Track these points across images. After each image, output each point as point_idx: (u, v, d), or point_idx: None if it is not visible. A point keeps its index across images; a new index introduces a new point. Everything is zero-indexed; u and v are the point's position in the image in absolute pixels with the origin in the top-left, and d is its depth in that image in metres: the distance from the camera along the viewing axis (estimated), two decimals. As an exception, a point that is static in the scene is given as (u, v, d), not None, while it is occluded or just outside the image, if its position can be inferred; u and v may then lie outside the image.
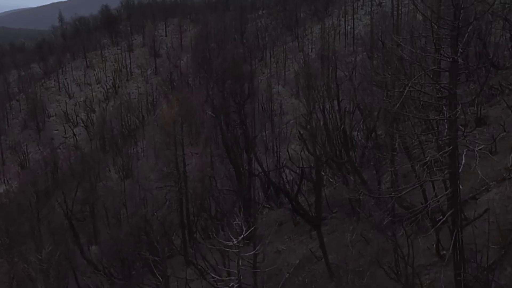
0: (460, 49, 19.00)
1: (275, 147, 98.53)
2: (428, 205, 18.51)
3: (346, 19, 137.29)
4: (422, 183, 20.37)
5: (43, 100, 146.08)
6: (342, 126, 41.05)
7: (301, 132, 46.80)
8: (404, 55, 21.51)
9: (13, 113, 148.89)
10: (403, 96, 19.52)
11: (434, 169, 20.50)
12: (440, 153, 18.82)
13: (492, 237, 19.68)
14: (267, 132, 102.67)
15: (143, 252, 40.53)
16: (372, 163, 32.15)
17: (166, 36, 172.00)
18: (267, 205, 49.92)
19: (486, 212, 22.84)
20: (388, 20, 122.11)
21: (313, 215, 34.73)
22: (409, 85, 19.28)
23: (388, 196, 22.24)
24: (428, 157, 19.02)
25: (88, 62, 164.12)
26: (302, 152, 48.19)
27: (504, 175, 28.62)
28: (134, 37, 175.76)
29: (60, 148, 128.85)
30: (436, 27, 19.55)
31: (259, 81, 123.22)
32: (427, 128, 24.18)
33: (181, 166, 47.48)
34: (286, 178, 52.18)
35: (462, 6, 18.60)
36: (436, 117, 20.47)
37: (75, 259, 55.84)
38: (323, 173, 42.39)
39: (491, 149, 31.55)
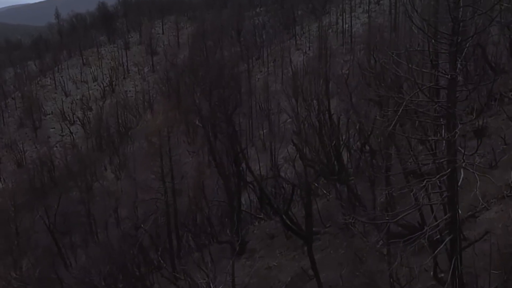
0: (459, 65, 18.34)
1: (272, 146, 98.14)
2: (426, 232, 17.80)
3: (344, 17, 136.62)
4: (419, 207, 19.57)
5: (39, 98, 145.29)
6: (334, 142, 39.35)
7: (294, 141, 45.76)
8: (399, 71, 20.45)
9: (9, 111, 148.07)
10: (397, 116, 18.74)
11: (431, 191, 19.75)
12: (438, 176, 18.13)
13: (492, 260, 18.94)
14: (264, 131, 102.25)
15: (131, 264, 39.91)
16: (366, 174, 31.28)
17: (163, 33, 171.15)
18: (260, 215, 48.63)
19: (487, 234, 22.07)
20: (385, 18, 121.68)
21: (305, 231, 34.15)
22: (404, 103, 18.49)
23: (382, 221, 21.47)
24: (425, 181, 18.31)
25: (84, 59, 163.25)
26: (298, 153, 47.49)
27: (505, 192, 27.50)
28: (130, 35, 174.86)
29: (56, 146, 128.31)
30: (433, 41, 18.81)
31: (257, 79, 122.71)
32: (425, 146, 23.36)
33: (168, 177, 45.09)
34: (280, 185, 51.10)
35: (462, 19, 17.90)
36: (433, 138, 19.72)
37: (60, 274, 54.46)
38: (316, 185, 41.56)
39: (491, 163, 30.64)
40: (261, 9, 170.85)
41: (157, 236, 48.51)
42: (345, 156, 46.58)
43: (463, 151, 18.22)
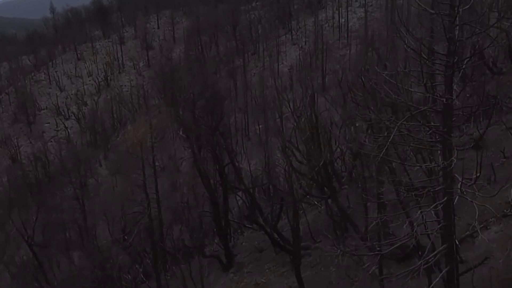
0: (455, 88, 17.39)
1: (268, 142, 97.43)
2: (421, 264, 16.97)
3: (340, 11, 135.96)
4: (414, 237, 18.57)
5: (33, 93, 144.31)
6: (322, 162, 36.98)
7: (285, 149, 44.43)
8: (390, 93, 19.12)
9: (3, 106, 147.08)
10: (388, 142, 17.58)
11: (426, 219, 18.86)
12: (433, 206, 17.31)
13: (492, 286, 18.13)
14: (260, 126, 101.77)
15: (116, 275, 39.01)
16: (358, 185, 30.06)
17: (158, 28, 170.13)
18: (249, 225, 47.05)
19: (486, 260, 21.08)
20: (382, 12, 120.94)
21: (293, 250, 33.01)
22: (396, 128, 17.38)
23: (373, 253, 20.22)
24: (419, 213, 17.46)
25: (78, 54, 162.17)
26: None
27: (505, 210, 26.03)
28: (125, 30, 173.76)
29: (51, 141, 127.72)
30: (428, 60, 17.88)
31: (253, 74, 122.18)
32: (420, 167, 22.17)
33: (151, 189, 42.49)
34: (271, 192, 49.89)
35: (458, 38, 16.99)
36: (428, 165, 18.64)
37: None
38: (307, 196, 40.31)
39: (489, 178, 29.11)
40: (257, 3, 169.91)
41: (141, 249, 46.64)
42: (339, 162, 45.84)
43: (460, 179, 17.21)
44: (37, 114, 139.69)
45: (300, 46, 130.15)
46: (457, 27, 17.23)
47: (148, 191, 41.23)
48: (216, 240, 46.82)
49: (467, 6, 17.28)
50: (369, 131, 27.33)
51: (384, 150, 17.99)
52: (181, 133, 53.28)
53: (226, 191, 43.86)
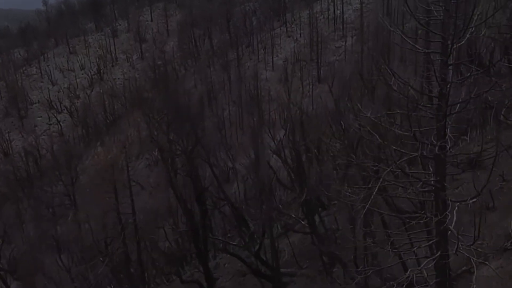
0: (449, 133, 15.91)
1: (263, 135, 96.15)
2: None
3: (335, 3, 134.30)
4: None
5: (24, 87, 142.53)
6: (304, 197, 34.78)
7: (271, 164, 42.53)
8: (377, 138, 17.66)
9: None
10: (372, 197, 16.11)
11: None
12: (427, 261, 15.89)
13: None
14: (254, 119, 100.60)
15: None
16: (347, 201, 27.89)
17: (151, 21, 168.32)
18: (233, 243, 44.38)
19: None
20: (378, 4, 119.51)
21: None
22: (380, 181, 16.02)
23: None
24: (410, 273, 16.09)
25: (71, 48, 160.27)
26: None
27: (506, 243, 23.57)
28: (118, 23, 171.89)
29: (44, 135, 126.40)
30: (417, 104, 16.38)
31: (247, 67, 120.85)
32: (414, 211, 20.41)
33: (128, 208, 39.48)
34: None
35: (451, 80, 15.63)
36: (422, 220, 16.65)
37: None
38: (292, 216, 38.37)
39: (488, 204, 26.34)
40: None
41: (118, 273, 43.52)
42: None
43: (456, 234, 15.63)
44: (29, 108, 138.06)
45: (295, 38, 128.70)
46: (451, 67, 15.84)
47: (123, 214, 38.50)
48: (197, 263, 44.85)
49: (462, 42, 15.88)
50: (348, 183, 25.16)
51: (369, 202, 16.57)
52: (156, 154, 51.15)
53: (205, 216, 42.06)
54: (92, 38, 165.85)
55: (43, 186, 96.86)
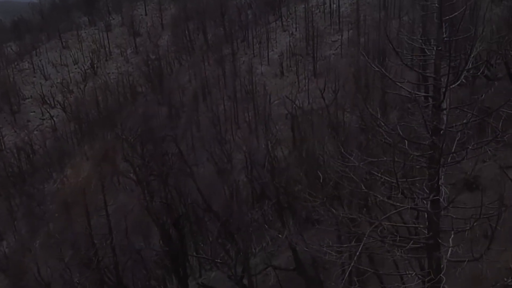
0: (442, 188, 14.72)
1: (259, 130, 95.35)
2: None
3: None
4: None
5: (17, 82, 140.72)
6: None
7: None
8: (365, 189, 16.57)
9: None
10: (358, 252, 14.94)
11: None
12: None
13: None
14: (250, 113, 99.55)
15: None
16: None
17: (146, 15, 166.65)
18: (219, 260, 41.47)
19: None
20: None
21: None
22: (363, 241, 14.79)
23: None
24: None
25: (64, 43, 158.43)
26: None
27: (505, 279, 21.39)
28: (112, 17, 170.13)
29: (37, 130, 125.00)
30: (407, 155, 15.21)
31: (242, 62, 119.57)
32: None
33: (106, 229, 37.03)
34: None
35: (445, 128, 14.44)
36: (411, 274, 15.83)
37: None
38: (279, 235, 36.58)
39: (486, 232, 23.64)
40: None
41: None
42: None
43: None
44: (21, 103, 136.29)
45: (291, 32, 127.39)
46: (445, 112, 14.51)
47: (98, 235, 36.26)
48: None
49: (456, 84, 14.53)
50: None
51: (354, 260, 15.35)
52: (132, 175, 48.81)
53: (183, 240, 40.55)
54: (85, 32, 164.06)
55: (35, 183, 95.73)
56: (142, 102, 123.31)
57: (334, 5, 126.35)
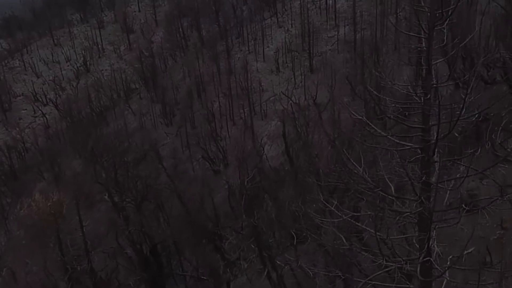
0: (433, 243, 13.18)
1: (253, 127, 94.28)
2: None
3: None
4: None
5: (7, 80, 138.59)
6: None
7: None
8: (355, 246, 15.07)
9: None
10: None
11: None
12: None
13: None
14: (245, 110, 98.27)
15: None
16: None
17: (139, 11, 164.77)
18: (204, 277, 40.69)
19: None
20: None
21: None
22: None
23: None
24: None
25: (55, 40, 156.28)
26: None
27: None
28: (105, 13, 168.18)
29: (29, 128, 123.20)
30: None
31: (237, 58, 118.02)
32: None
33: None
34: None
35: (436, 181, 12.91)
36: None
37: None
38: (267, 254, 34.72)
39: (484, 259, 22.24)
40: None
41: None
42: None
43: None
44: (12, 101, 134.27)
45: (286, 29, 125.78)
46: (437, 164, 13.02)
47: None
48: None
49: (448, 135, 12.92)
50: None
51: None
52: (106, 197, 46.87)
53: (161, 267, 38.93)
54: (77, 29, 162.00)
55: (27, 182, 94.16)
56: (135, 100, 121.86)
57: (330, 1, 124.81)
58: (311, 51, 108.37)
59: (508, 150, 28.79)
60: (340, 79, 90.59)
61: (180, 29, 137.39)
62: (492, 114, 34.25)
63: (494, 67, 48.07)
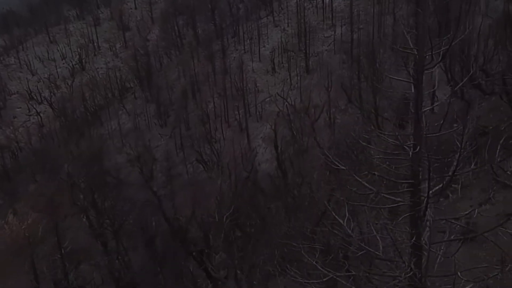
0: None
1: (248, 129, 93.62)
2: None
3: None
4: None
5: (2, 78, 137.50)
6: None
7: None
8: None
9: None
10: None
11: None
12: None
13: None
14: (240, 111, 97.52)
15: None
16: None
17: (135, 8, 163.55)
18: None
19: None
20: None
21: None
22: None
23: None
24: None
25: (51, 37, 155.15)
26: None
27: None
28: (101, 11, 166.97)
29: (23, 127, 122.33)
30: None
31: (232, 58, 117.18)
32: None
33: None
34: None
35: (428, 248, 12.15)
36: None
37: None
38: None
39: None
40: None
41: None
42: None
43: None
44: (7, 99, 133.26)
45: (283, 28, 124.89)
46: (428, 224, 12.07)
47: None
48: None
49: (440, 188, 12.05)
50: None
51: None
52: (84, 219, 45.79)
53: None
54: (73, 26, 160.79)
55: (20, 182, 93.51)
56: (130, 99, 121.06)
57: (327, 0, 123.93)
58: (307, 51, 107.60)
59: (508, 173, 27.80)
60: (337, 80, 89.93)
61: (176, 27, 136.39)
62: (490, 127, 33.40)
63: (493, 74, 47.33)
